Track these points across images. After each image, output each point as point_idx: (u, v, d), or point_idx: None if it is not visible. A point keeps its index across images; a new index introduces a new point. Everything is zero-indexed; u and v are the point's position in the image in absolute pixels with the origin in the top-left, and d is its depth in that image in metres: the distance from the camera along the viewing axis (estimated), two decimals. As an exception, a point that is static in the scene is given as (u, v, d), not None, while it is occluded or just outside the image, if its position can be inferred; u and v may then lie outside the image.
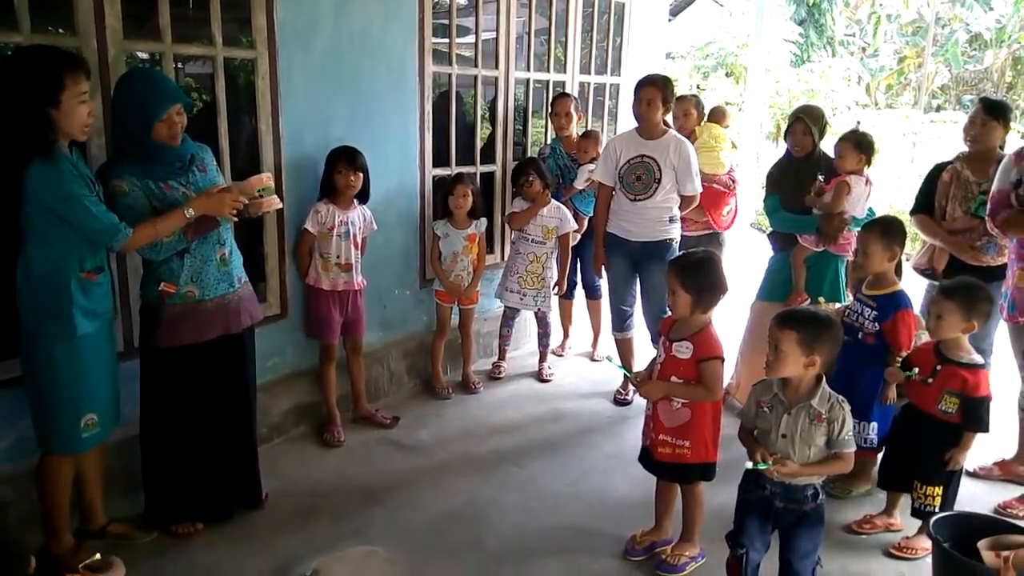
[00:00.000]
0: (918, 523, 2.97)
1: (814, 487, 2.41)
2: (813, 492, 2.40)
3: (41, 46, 2.44)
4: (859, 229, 3.37)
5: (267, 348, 3.50)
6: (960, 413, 2.80)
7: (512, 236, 4.52)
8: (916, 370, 2.92)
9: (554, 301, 4.72)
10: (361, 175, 3.60)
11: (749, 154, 8.69)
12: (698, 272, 2.62)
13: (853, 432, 3.18)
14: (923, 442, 2.89)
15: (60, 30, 2.90)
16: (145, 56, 3.48)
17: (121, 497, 2.97)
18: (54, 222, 2.36)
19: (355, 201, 3.69)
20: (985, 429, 2.81)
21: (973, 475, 3.51)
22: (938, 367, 2.86)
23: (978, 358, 2.87)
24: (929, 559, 2.76)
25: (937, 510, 2.83)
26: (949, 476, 2.85)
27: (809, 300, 3.87)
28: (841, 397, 2.39)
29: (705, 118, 4.80)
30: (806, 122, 3.86)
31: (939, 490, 2.85)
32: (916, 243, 4.27)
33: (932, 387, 2.86)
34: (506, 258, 4.73)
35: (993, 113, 3.50)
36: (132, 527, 2.89)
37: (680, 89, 13.32)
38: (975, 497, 3.31)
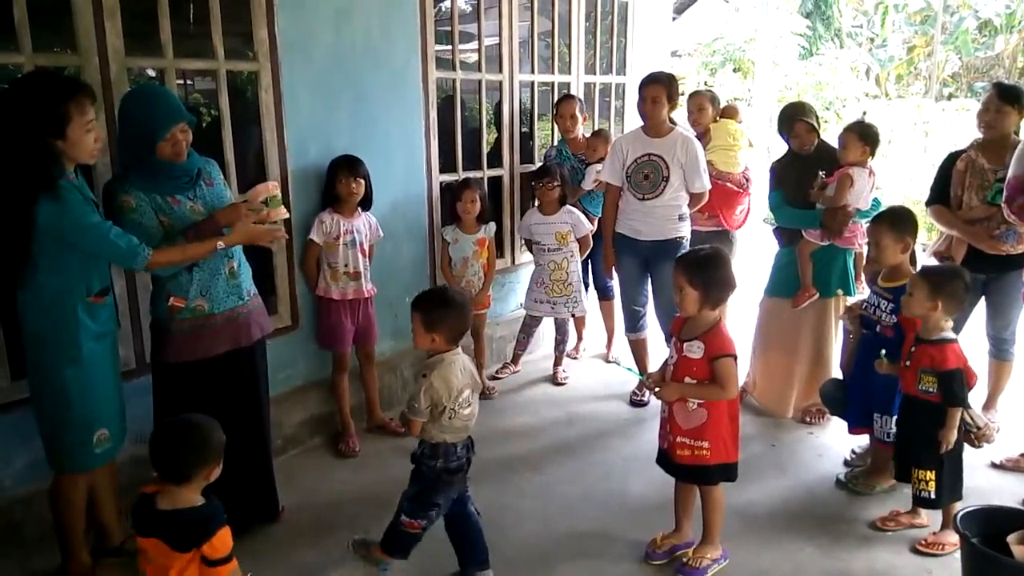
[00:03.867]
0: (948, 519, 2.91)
1: (419, 445, 2.59)
2: (418, 451, 2.60)
3: (44, 74, 2.44)
4: (868, 222, 3.31)
5: (279, 360, 3.50)
6: (939, 391, 2.78)
7: (525, 245, 4.51)
8: (883, 352, 2.98)
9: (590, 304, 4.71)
10: (363, 182, 3.59)
11: (759, 149, 8.63)
12: (705, 268, 2.59)
13: (876, 426, 3.18)
14: (913, 427, 2.89)
15: (62, 49, 2.91)
16: (153, 73, 3.50)
17: (137, 514, 2.96)
18: (66, 250, 2.36)
19: (359, 209, 3.67)
20: (960, 403, 2.77)
21: (999, 467, 3.46)
22: (913, 348, 2.86)
23: (949, 335, 2.84)
24: (957, 555, 2.70)
25: (932, 495, 2.81)
26: (940, 460, 2.81)
27: (818, 295, 3.82)
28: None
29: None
30: (806, 120, 3.81)
31: (932, 474, 2.81)
32: (934, 233, 4.21)
33: (910, 369, 2.86)
34: (516, 262, 4.71)
35: (1007, 98, 3.45)
36: (149, 544, 2.88)
37: (688, 87, 13.30)
38: (1002, 489, 3.26)
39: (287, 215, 2.89)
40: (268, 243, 2.83)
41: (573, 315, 4.55)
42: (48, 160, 2.28)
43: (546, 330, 4.84)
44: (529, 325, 4.65)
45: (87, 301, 2.45)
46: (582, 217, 4.40)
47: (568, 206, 4.40)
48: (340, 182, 3.55)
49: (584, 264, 4.74)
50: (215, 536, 1.94)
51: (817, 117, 3.92)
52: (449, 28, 4.32)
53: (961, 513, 2.60)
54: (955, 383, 2.75)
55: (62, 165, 2.33)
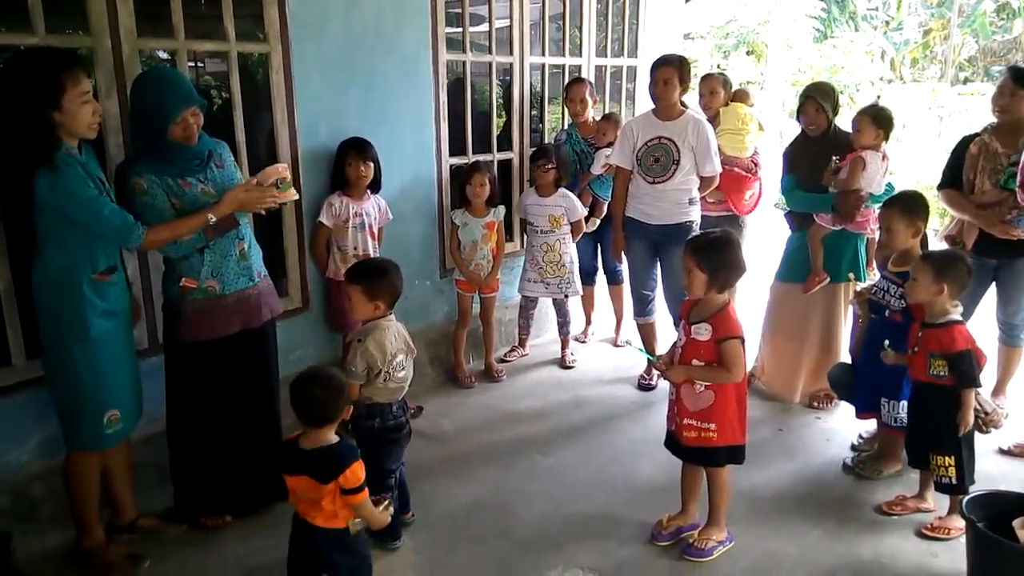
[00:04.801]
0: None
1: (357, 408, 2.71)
2: (355, 413, 2.71)
3: (39, 48, 2.45)
4: (880, 206, 3.30)
5: (290, 341, 3.52)
6: (951, 374, 2.77)
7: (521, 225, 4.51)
8: (887, 343, 2.97)
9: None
10: (372, 165, 3.60)
11: (772, 133, 8.57)
12: (713, 251, 2.60)
13: (883, 411, 3.19)
14: (928, 413, 2.88)
15: (74, 31, 2.93)
16: (164, 55, 3.51)
17: (150, 491, 3.01)
18: (67, 226, 2.37)
19: (368, 192, 3.69)
20: (974, 383, 2.77)
21: (1007, 453, 3.45)
22: (920, 334, 2.85)
23: (955, 317, 2.82)
24: (962, 539, 2.70)
25: (954, 480, 2.81)
26: (957, 444, 2.80)
27: (828, 279, 3.81)
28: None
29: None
30: (817, 100, 3.78)
31: (951, 459, 2.81)
32: (946, 218, 4.18)
33: (918, 355, 2.85)
34: (525, 246, 4.71)
35: (1022, 82, 3.40)
36: (162, 521, 2.93)
37: (701, 70, 13.19)
38: (1009, 474, 3.26)
39: (296, 197, 2.91)
40: (260, 209, 2.74)
41: (566, 296, 4.56)
42: (45, 132, 2.30)
43: (551, 314, 4.84)
44: (525, 307, 4.66)
45: (92, 278, 2.46)
46: (577, 202, 4.39)
47: (564, 190, 4.38)
48: (349, 165, 3.56)
49: (593, 248, 4.74)
50: (349, 468, 2.17)
51: (836, 98, 3.88)
52: (460, 10, 4.30)
53: (967, 498, 2.61)
54: (965, 363, 2.75)
55: (60, 138, 2.34)
